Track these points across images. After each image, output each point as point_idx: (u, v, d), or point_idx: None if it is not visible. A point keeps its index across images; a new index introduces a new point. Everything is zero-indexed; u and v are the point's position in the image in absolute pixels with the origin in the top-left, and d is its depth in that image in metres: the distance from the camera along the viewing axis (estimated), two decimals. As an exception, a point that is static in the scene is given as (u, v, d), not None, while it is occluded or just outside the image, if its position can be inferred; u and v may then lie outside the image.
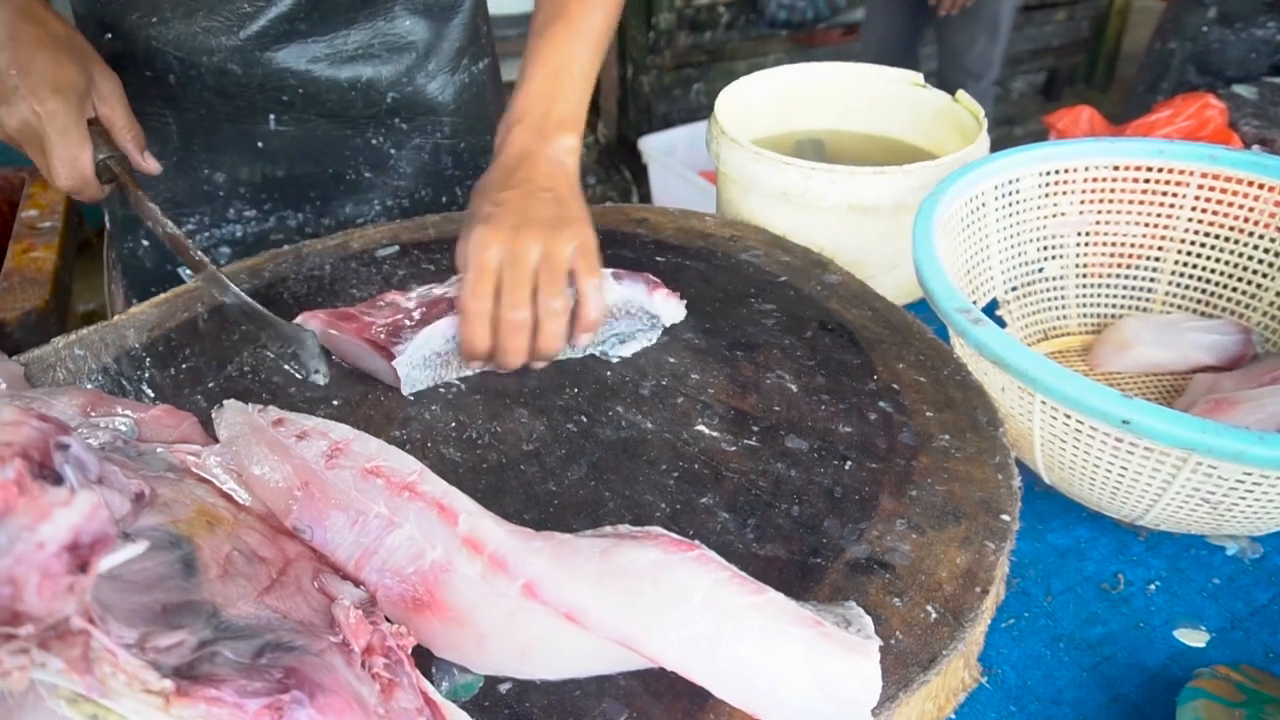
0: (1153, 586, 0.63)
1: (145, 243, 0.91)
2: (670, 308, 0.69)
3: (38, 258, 1.13)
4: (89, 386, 0.64)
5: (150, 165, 0.74)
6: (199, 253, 0.69)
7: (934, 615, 0.48)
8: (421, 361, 0.63)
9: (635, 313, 0.68)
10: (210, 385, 0.64)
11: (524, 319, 0.61)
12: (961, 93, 0.95)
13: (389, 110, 0.88)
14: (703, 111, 2.89)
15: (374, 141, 0.90)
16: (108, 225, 0.95)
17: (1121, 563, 0.65)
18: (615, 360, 0.67)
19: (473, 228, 0.63)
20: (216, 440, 0.56)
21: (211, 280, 0.68)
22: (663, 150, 2.24)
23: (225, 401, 0.57)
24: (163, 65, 0.81)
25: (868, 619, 0.45)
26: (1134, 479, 0.58)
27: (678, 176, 2.11)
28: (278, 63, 0.82)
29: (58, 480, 0.34)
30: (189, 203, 0.89)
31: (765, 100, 1.02)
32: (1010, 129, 3.30)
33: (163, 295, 0.73)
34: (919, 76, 0.99)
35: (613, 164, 2.90)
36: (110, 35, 0.81)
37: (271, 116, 0.86)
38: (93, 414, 0.56)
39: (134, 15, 0.79)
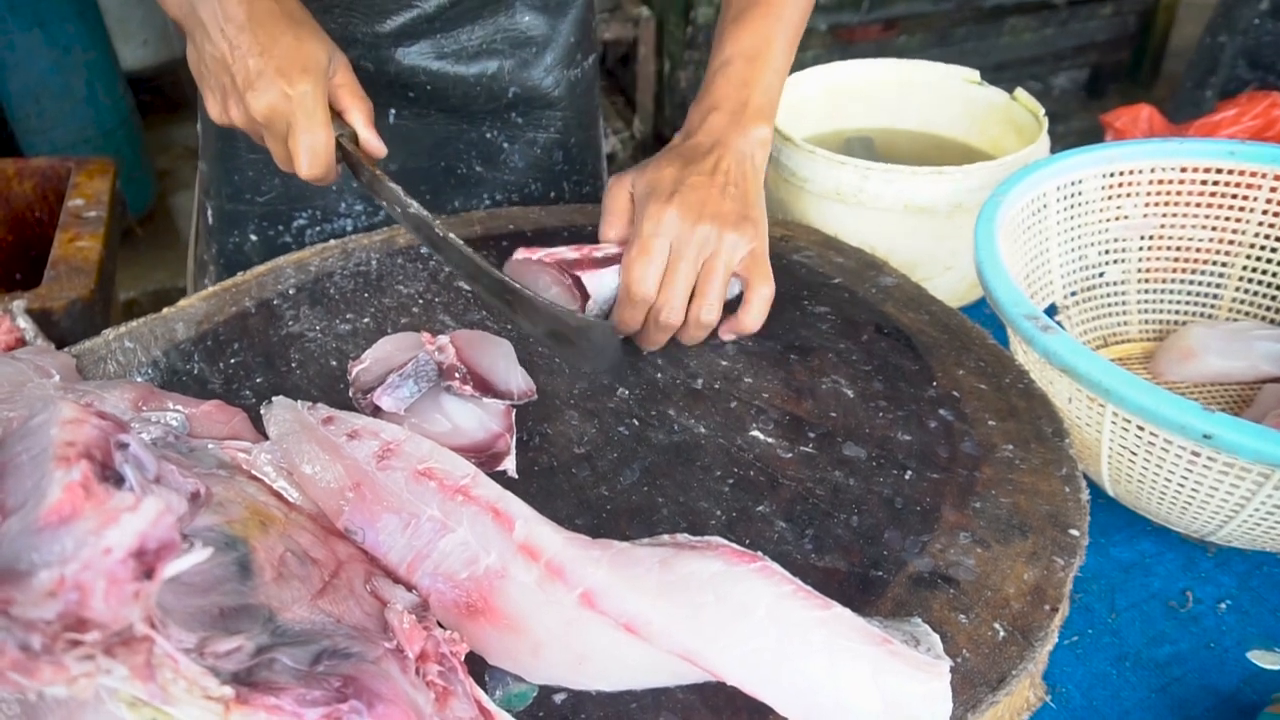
0: (1223, 605, 0.61)
1: (253, 238, 0.89)
2: None
3: (83, 247, 1.13)
4: (139, 380, 0.63)
5: (379, 145, 0.67)
6: (449, 233, 0.63)
7: (1002, 634, 0.47)
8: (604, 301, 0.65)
9: None
10: (259, 381, 0.64)
11: (675, 323, 0.63)
12: (1020, 91, 0.92)
13: (508, 104, 0.89)
14: (739, 107, 2.85)
15: (488, 135, 0.90)
16: (209, 220, 0.92)
17: (1189, 579, 0.62)
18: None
19: (652, 202, 0.63)
20: (266, 437, 0.55)
21: (464, 263, 0.63)
22: (699, 146, 2.22)
23: (274, 398, 0.57)
24: None
25: (936, 637, 0.44)
26: (1209, 494, 0.56)
27: (714, 172, 2.09)
28: (410, 59, 0.81)
29: (119, 481, 0.34)
30: (301, 198, 0.88)
31: (814, 97, 1.00)
32: (1053, 127, 3.23)
33: (210, 289, 0.73)
34: (974, 73, 0.97)
35: (647, 159, 2.88)
36: None
37: (392, 111, 0.85)
38: (144, 408, 0.56)
39: None
